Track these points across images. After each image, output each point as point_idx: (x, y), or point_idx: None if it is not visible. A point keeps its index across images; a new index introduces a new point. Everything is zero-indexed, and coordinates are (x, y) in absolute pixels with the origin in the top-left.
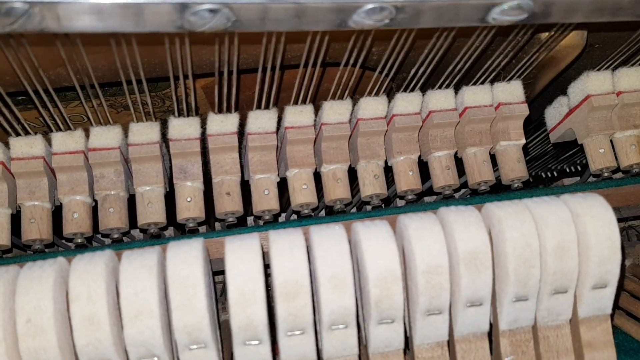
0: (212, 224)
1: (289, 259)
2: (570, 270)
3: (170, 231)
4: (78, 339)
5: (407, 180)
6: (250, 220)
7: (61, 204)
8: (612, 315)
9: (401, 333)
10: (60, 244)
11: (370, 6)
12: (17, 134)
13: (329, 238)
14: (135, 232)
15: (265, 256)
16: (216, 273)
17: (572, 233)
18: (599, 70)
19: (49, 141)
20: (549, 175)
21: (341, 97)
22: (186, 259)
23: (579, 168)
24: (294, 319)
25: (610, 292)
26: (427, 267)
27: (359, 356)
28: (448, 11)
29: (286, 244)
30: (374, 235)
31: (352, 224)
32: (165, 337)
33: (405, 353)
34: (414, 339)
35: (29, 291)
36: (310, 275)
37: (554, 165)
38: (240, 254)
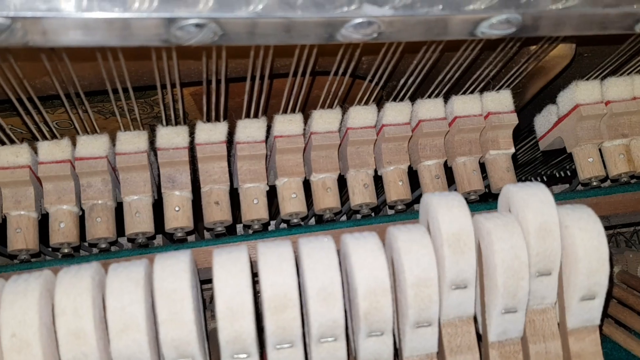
0: (201, 233)
1: (278, 272)
2: (553, 251)
3: (159, 240)
4: (64, 354)
5: (397, 190)
6: (239, 228)
7: (47, 213)
8: (600, 324)
9: (390, 345)
10: (47, 252)
11: (358, 21)
12: (3, 143)
13: (318, 250)
14: (123, 241)
15: (253, 265)
16: (205, 282)
17: (554, 214)
18: (587, 79)
19: (35, 150)
20: (539, 180)
21: (331, 106)
22: (174, 272)
23: (569, 173)
24: (282, 332)
25: (598, 303)
26: (416, 279)
27: None
28: (436, 25)
29: (274, 257)
30: (363, 248)
31: (341, 236)
32: (153, 352)
33: None
34: (403, 351)
35: (14, 305)
36: (299, 288)
37: (544, 171)
38: (229, 267)
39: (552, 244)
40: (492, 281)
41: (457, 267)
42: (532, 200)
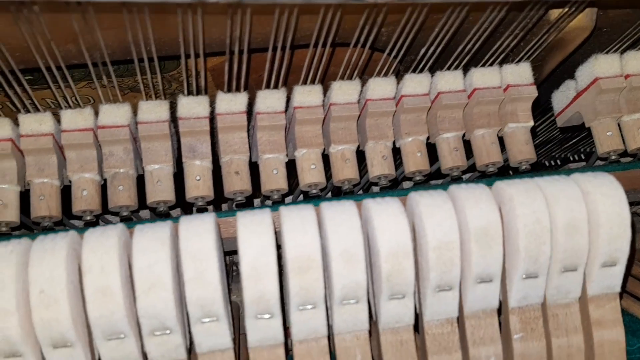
0: (219, 205)
1: (301, 234)
2: (581, 248)
3: (177, 212)
4: (91, 311)
5: (416, 161)
6: (257, 202)
7: (70, 182)
8: (621, 292)
9: (412, 308)
10: (67, 223)
11: None
12: (27, 112)
13: (341, 213)
14: (143, 213)
15: (276, 235)
16: (226, 253)
17: (583, 211)
18: (607, 53)
19: (57, 119)
20: (552, 163)
21: (350, 78)
22: (198, 232)
23: (582, 157)
24: (305, 293)
25: (619, 270)
26: (438, 242)
27: (370, 332)
28: None
29: (298, 220)
30: (385, 211)
31: (363, 200)
32: (178, 310)
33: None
34: (424, 315)
35: (42, 262)
36: (322, 250)
37: (558, 154)
38: (252, 228)
39: (579, 240)
40: (513, 246)
41: (484, 262)
42: (561, 195)
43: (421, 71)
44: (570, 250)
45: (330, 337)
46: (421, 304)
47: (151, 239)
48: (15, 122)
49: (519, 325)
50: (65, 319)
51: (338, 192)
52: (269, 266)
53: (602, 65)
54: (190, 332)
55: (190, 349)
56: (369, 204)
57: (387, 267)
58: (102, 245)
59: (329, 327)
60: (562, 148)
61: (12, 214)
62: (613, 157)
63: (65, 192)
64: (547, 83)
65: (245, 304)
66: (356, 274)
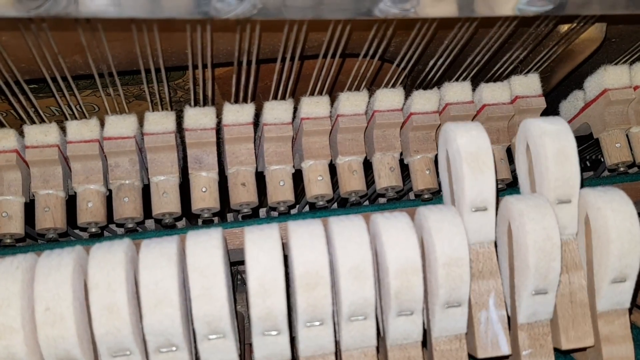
0: (224, 215)
1: (309, 249)
2: (572, 176)
3: (183, 222)
4: (97, 328)
5: (424, 179)
6: (262, 212)
7: (74, 193)
8: (630, 308)
9: (420, 325)
10: (72, 233)
11: None
12: (32, 122)
13: (349, 229)
14: (148, 223)
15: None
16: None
17: (572, 140)
18: (615, 64)
19: (62, 128)
20: None
21: (357, 89)
22: (206, 248)
23: (588, 164)
24: (313, 309)
25: (629, 286)
26: (448, 259)
27: (377, 348)
28: (476, 0)
29: (306, 235)
30: (394, 227)
31: (371, 215)
32: (185, 327)
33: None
34: (432, 331)
35: (48, 279)
36: (329, 266)
37: None
38: (260, 244)
39: (570, 169)
40: (523, 262)
41: (476, 187)
42: (549, 128)
43: (429, 83)
44: (562, 179)
45: (337, 353)
46: (429, 320)
47: (158, 255)
48: (20, 131)
49: (528, 342)
50: (71, 337)
51: (344, 203)
52: (277, 283)
53: (611, 77)
54: (196, 349)
55: None
56: (378, 219)
57: (396, 284)
58: (108, 261)
59: (336, 343)
60: None
61: (16, 226)
62: (621, 169)
63: (69, 203)
64: (554, 93)
65: (252, 321)
66: (365, 290)
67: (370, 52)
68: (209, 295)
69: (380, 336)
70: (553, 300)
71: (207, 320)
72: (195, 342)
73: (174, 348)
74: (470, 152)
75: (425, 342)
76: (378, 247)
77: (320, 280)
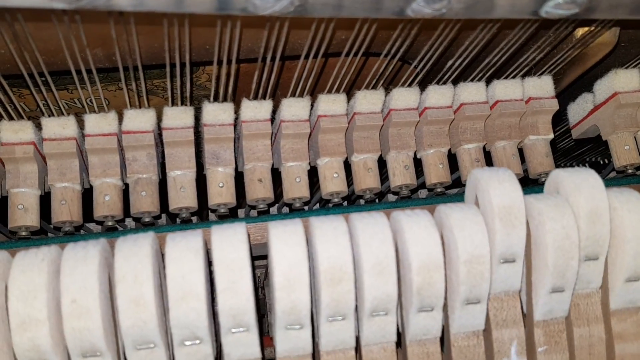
0: (236, 212)
1: (334, 245)
2: (602, 236)
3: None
4: (123, 320)
5: (437, 173)
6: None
7: (90, 187)
8: None
9: (440, 321)
10: (86, 228)
11: None
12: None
13: (372, 225)
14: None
15: None
16: None
17: (605, 200)
18: (626, 68)
19: (78, 121)
20: None
21: (374, 88)
22: (232, 242)
23: (587, 166)
24: (336, 304)
25: None
26: (469, 256)
27: (397, 343)
28: (504, 2)
29: (330, 230)
30: (417, 224)
31: (393, 213)
32: (209, 320)
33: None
34: (450, 328)
35: (75, 271)
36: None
37: (563, 163)
38: (285, 239)
39: (601, 229)
40: (541, 261)
41: (507, 240)
42: (583, 185)
43: (445, 82)
44: (592, 239)
45: (357, 348)
46: (448, 316)
47: (184, 249)
48: (38, 126)
49: (544, 339)
50: (97, 329)
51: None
52: (302, 277)
53: (621, 80)
54: (217, 342)
55: (218, 359)
56: (400, 216)
57: (418, 280)
58: (135, 254)
59: (356, 338)
60: (567, 157)
61: (32, 219)
62: (630, 171)
63: (83, 196)
64: (562, 95)
65: (277, 315)
66: (387, 286)
67: (392, 52)
68: (235, 288)
69: (399, 331)
70: (569, 298)
71: (233, 314)
72: (216, 334)
73: (197, 341)
74: (503, 206)
75: (442, 337)
76: (400, 243)
77: (344, 275)
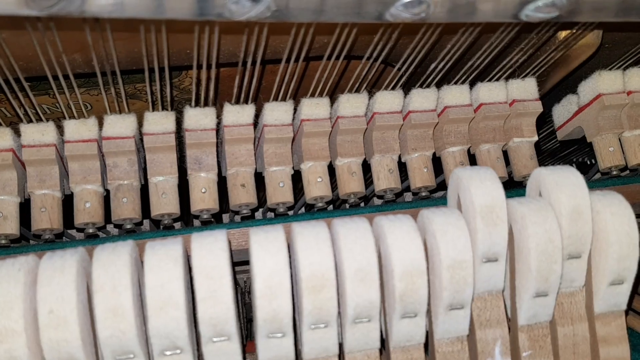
0: (220, 216)
1: (315, 252)
2: (585, 234)
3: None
4: (101, 330)
5: (422, 177)
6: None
7: (70, 193)
8: (626, 310)
9: (423, 327)
10: (67, 235)
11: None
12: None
13: (355, 231)
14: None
15: None
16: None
17: (586, 197)
18: (609, 70)
19: (58, 127)
20: None
21: (357, 91)
22: (212, 250)
23: (574, 166)
24: (319, 312)
25: (626, 288)
26: (452, 261)
27: (380, 350)
28: (484, 6)
29: (311, 237)
30: (399, 229)
31: (375, 218)
32: (189, 330)
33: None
34: (434, 333)
35: (52, 281)
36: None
37: (550, 164)
38: (267, 246)
39: (583, 227)
40: (524, 265)
41: (489, 239)
42: (564, 183)
43: (429, 85)
44: (575, 237)
45: (340, 355)
46: (432, 322)
47: (164, 257)
48: (17, 132)
49: (528, 343)
50: (74, 340)
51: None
52: (283, 285)
53: (605, 82)
54: (199, 351)
55: None
56: (382, 221)
57: (401, 286)
58: (113, 263)
59: (339, 345)
60: (554, 158)
61: (12, 226)
62: (614, 173)
63: (64, 203)
64: (547, 97)
65: (258, 323)
66: (370, 293)
67: (374, 55)
68: (215, 297)
69: (383, 338)
70: (553, 302)
71: (213, 323)
72: (198, 344)
73: (178, 351)
74: (484, 205)
75: (427, 343)
76: (382, 249)
77: (326, 282)
